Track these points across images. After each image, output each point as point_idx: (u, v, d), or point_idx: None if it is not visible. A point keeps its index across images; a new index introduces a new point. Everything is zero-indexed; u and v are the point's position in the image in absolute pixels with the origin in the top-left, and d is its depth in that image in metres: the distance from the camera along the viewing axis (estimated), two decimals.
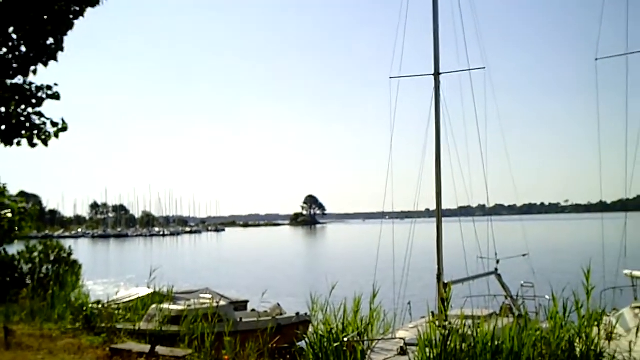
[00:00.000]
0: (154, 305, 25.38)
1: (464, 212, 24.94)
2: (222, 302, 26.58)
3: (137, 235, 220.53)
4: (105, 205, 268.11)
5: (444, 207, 21.05)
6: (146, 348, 18.52)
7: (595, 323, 15.71)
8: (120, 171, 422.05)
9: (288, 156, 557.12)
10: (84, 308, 23.15)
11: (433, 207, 20.86)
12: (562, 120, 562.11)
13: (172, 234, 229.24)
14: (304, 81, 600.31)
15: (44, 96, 9.89)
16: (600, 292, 19.48)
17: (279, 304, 29.00)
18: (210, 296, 27.30)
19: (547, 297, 16.93)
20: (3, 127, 10.10)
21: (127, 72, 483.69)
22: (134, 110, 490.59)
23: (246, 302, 30.95)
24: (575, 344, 14.78)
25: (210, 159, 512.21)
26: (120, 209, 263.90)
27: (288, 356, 20.31)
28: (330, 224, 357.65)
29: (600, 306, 17.70)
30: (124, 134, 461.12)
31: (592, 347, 14.63)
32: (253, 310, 28.81)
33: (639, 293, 22.41)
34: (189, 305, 25.17)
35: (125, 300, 28.11)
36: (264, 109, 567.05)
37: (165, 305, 25.21)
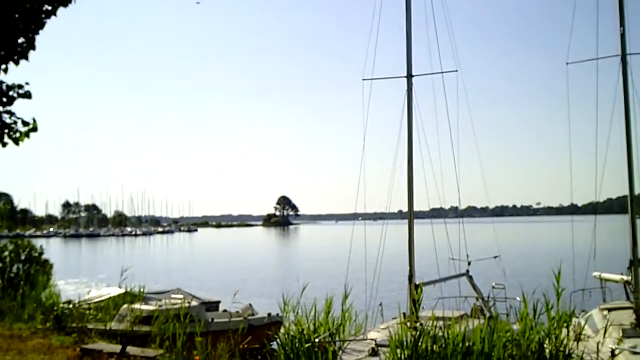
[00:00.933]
0: (125, 305, 25.28)
1: (437, 213, 25.06)
2: (194, 303, 26.49)
3: (109, 235, 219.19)
4: (77, 204, 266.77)
5: (416, 208, 21.10)
6: (117, 348, 18.44)
7: (565, 324, 15.85)
8: (92, 171, 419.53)
9: (261, 157, 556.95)
10: (55, 308, 23.00)
11: (406, 208, 20.92)
12: (534, 124, 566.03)
13: (144, 234, 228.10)
14: (278, 82, 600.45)
15: (15, 95, 9.80)
16: (570, 293, 19.67)
17: (250, 305, 28.94)
18: (181, 296, 27.22)
19: (517, 298, 17.06)
20: None
21: (98, 72, 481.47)
22: (107, 110, 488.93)
23: (218, 302, 30.88)
24: (545, 345, 14.92)
25: (183, 159, 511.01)
26: (92, 209, 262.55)
27: (259, 357, 20.31)
28: (303, 225, 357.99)
29: (570, 308, 17.90)
30: (96, 133, 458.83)
31: (561, 348, 14.76)
32: (225, 310, 28.71)
33: (608, 295, 22.65)
34: (160, 306, 25.10)
35: (96, 300, 27.97)
36: (238, 110, 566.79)
37: (136, 306, 25.10)
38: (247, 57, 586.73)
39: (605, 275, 22.13)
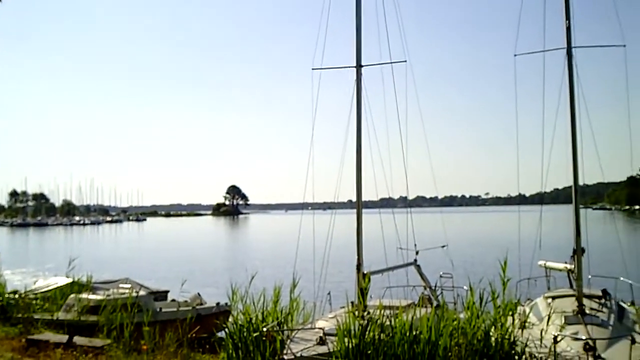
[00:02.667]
0: (72, 295, 25.11)
1: (386, 203, 25.13)
2: (142, 292, 26.37)
3: (57, 224, 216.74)
4: (24, 193, 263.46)
5: (365, 198, 21.17)
6: (64, 338, 18.33)
7: (510, 313, 16.07)
8: (40, 159, 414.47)
9: (211, 146, 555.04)
10: (0, 298, 22.74)
11: (355, 198, 20.97)
12: (483, 114, 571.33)
13: (92, 223, 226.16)
14: (228, 72, 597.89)
15: None
16: (516, 282, 19.95)
17: (199, 294, 28.87)
18: (129, 286, 27.03)
19: (464, 287, 17.23)
20: None
21: (47, 61, 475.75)
22: (55, 98, 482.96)
23: (166, 292, 30.73)
24: (491, 333, 15.09)
25: (133, 148, 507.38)
26: (40, 198, 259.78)
27: (207, 346, 20.25)
28: (253, 215, 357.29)
29: (515, 296, 18.16)
30: (44, 122, 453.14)
31: (506, 336, 14.93)
32: (173, 300, 28.58)
33: (552, 283, 23.00)
34: (108, 295, 24.97)
35: (43, 290, 27.73)
36: (187, 100, 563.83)
37: (84, 295, 24.95)
38: (198, 46, 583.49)
39: (549, 264, 22.44)
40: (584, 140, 19.70)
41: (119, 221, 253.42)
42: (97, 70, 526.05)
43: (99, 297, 24.57)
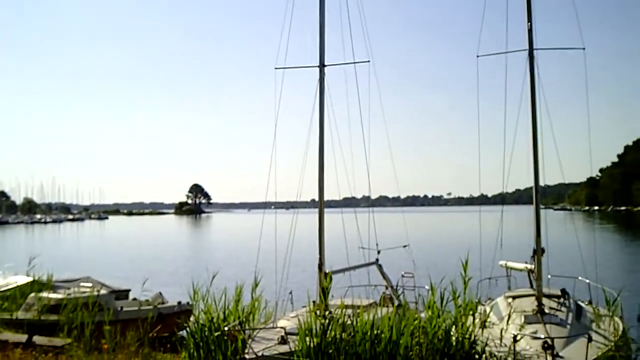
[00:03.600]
0: (32, 294, 24.87)
1: (349, 203, 25.18)
2: (103, 291, 26.16)
3: (17, 222, 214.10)
4: None
5: (328, 198, 21.19)
6: (23, 338, 18.17)
7: (471, 312, 16.19)
8: (1, 157, 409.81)
9: (174, 145, 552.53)
10: None
11: (318, 197, 20.98)
12: (446, 115, 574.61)
13: (54, 222, 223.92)
14: (191, 71, 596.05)
15: None
16: (477, 282, 20.08)
17: (160, 293, 28.71)
18: (91, 285, 26.84)
19: (426, 287, 17.33)
20: None
21: (9, 59, 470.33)
22: (17, 97, 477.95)
23: (128, 290, 30.53)
24: (452, 333, 15.21)
25: (95, 146, 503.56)
26: (0, 195, 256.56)
27: (169, 345, 20.14)
28: (216, 213, 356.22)
29: (476, 296, 18.29)
30: (5, 120, 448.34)
31: (467, 335, 15.07)
32: (134, 299, 28.39)
33: (513, 283, 23.20)
34: (68, 294, 24.73)
35: (2, 290, 27.45)
36: (151, 98, 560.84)
37: (44, 294, 24.72)
38: (160, 45, 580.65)
39: (510, 264, 22.63)
40: (545, 141, 19.91)
41: (81, 219, 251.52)
42: (60, 69, 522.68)
43: (59, 296, 24.33)
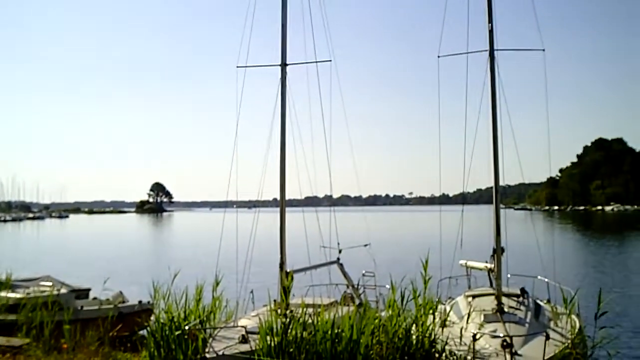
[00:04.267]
0: None
1: (311, 202, 25.19)
2: (63, 290, 25.91)
3: None
4: None
5: (289, 197, 21.22)
6: None
7: (431, 311, 16.26)
8: None
9: (135, 143, 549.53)
10: None
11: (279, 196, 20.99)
12: (407, 114, 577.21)
13: (13, 220, 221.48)
14: (153, 68, 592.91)
15: None
16: (438, 281, 20.16)
17: (121, 292, 28.50)
18: (50, 284, 26.56)
19: (387, 286, 17.38)
20: None
21: None
22: None
23: (88, 289, 30.24)
24: (412, 331, 15.25)
25: (55, 144, 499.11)
26: None
27: (129, 344, 20.01)
28: (177, 212, 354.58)
29: (437, 295, 18.37)
30: None
31: (427, 334, 15.13)
32: (95, 298, 28.15)
33: (473, 282, 23.37)
34: (28, 293, 24.49)
35: None
36: (112, 95, 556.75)
37: (2, 293, 24.44)
38: (121, 42, 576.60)
39: (470, 263, 22.80)
40: (506, 141, 20.06)
41: (41, 218, 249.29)
42: (20, 66, 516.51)
43: (18, 295, 24.08)
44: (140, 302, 27.18)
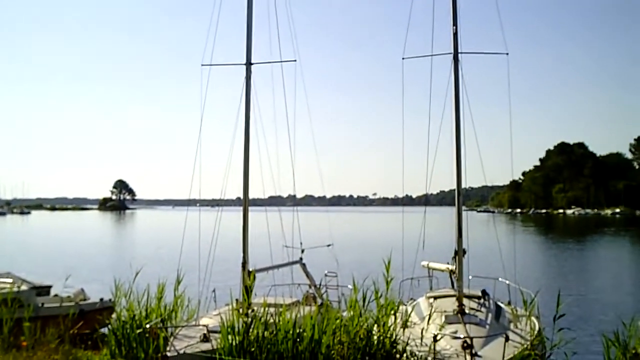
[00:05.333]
0: None
1: (275, 202, 25.21)
2: (24, 287, 25.63)
3: None
4: None
5: (253, 196, 21.19)
6: None
7: (392, 312, 16.35)
8: None
9: (99, 139, 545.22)
10: None
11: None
12: (372, 115, 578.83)
13: None
14: (117, 64, 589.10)
15: None
16: (400, 282, 20.25)
17: (82, 290, 28.29)
18: (11, 280, 26.26)
19: (349, 286, 17.41)
20: None
21: None
22: None
23: (49, 287, 29.96)
24: (373, 332, 15.32)
25: (17, 139, 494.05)
26: None
27: (90, 342, 19.94)
28: (140, 210, 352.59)
29: (398, 296, 18.47)
30: None
31: (388, 335, 15.20)
32: (56, 295, 27.92)
33: (435, 283, 23.49)
34: None
35: None
36: (75, 91, 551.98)
37: None
38: (84, 37, 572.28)
39: (432, 264, 22.91)
40: (469, 144, 20.20)
41: (2, 214, 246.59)
42: None
43: None
44: (101, 299, 26.99)
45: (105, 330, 19.63)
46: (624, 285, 43.09)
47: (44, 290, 28.82)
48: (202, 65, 21.13)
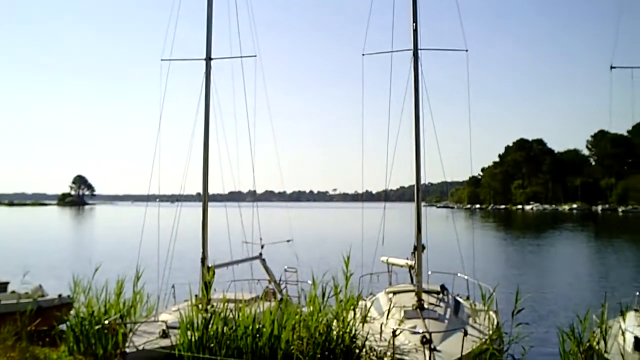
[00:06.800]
0: None
1: (235, 197, 25.18)
2: None
3: None
4: None
5: (213, 192, 21.17)
6: None
7: (352, 307, 16.42)
8: None
9: (58, 134, 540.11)
10: None
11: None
12: (333, 111, 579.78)
13: None
14: (77, 57, 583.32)
15: None
16: (359, 277, 20.33)
17: (40, 286, 28.01)
18: None
19: (308, 282, 17.45)
20: None
21: None
22: None
23: (6, 283, 29.63)
24: (333, 327, 15.36)
25: None
26: None
27: (48, 339, 19.73)
28: (99, 205, 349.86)
29: (358, 291, 18.54)
30: None
31: (348, 330, 15.25)
32: (13, 292, 27.63)
33: (395, 278, 23.60)
34: None
35: None
36: (33, 85, 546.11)
37: None
38: (46, 31, 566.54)
39: (391, 260, 22.99)
40: (429, 140, 20.30)
41: None
42: None
43: None
44: (60, 296, 26.75)
45: (63, 326, 19.48)
46: (581, 280, 43.57)
47: (1, 286, 28.52)
48: (162, 60, 21.05)
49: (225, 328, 14.92)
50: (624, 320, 17.12)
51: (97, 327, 16.38)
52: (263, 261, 23.13)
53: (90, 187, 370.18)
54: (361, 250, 20.21)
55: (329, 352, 14.84)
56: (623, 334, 15.93)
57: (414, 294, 19.29)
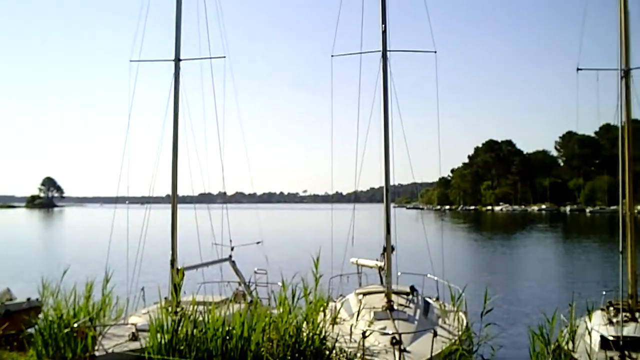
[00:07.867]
0: None
1: (204, 199, 25.13)
2: None
3: None
4: None
5: (183, 193, 21.16)
6: None
7: (322, 309, 16.45)
8: None
9: (26, 135, 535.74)
10: None
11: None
12: (302, 113, 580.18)
13: None
14: (46, 57, 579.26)
15: None
16: (329, 278, 20.37)
17: (8, 289, 27.76)
18: None
19: (279, 283, 17.45)
20: None
21: None
22: None
23: None
24: (303, 329, 15.36)
25: None
26: None
27: (15, 343, 19.59)
28: (68, 208, 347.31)
29: (328, 292, 18.58)
30: None
31: (318, 332, 15.26)
32: None
33: (364, 279, 23.64)
34: None
35: None
36: (2, 85, 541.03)
37: None
38: (13, 28, 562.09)
39: (361, 261, 23.05)
40: (398, 141, 20.37)
41: None
42: None
43: None
44: (28, 299, 26.51)
45: (32, 330, 19.35)
46: (550, 280, 43.90)
47: None
48: (131, 61, 20.97)
49: (195, 330, 14.89)
50: (590, 319, 17.30)
51: (66, 331, 16.28)
52: (233, 263, 23.10)
53: (59, 189, 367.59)
54: (331, 251, 20.23)
55: (299, 353, 14.85)
56: (590, 333, 16.09)
57: (383, 295, 19.35)
